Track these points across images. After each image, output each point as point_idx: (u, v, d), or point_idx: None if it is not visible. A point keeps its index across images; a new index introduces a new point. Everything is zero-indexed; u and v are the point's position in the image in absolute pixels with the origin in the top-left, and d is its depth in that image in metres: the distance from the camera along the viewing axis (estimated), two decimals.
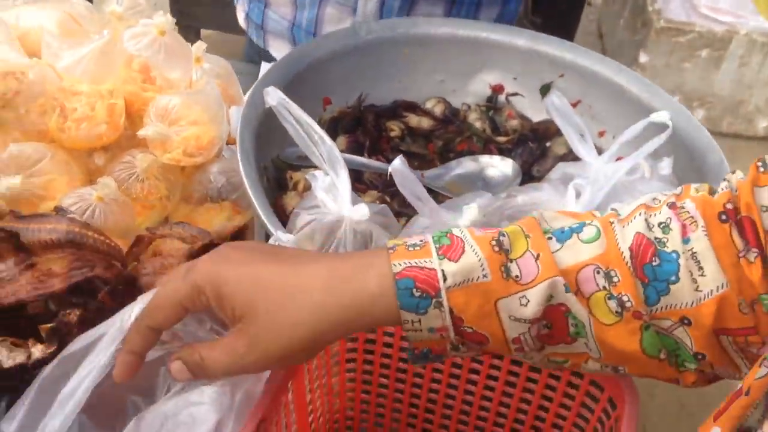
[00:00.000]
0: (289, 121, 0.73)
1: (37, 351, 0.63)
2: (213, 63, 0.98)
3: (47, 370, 0.57)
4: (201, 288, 0.51)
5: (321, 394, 0.65)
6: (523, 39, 1.02)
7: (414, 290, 0.49)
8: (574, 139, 0.83)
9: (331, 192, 0.71)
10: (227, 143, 0.91)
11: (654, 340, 0.50)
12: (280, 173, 0.91)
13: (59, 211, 0.72)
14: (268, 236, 0.84)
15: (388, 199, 0.90)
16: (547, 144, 1.02)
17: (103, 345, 0.56)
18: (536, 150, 1.00)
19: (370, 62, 1.01)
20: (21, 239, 0.67)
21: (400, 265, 0.49)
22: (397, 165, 0.65)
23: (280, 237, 0.67)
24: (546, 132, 1.02)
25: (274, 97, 0.72)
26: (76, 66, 0.79)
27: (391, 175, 0.85)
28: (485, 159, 0.97)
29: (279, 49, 1.21)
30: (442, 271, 0.48)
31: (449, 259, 0.49)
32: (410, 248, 0.51)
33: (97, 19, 0.99)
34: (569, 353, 0.52)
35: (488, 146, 1.00)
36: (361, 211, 0.69)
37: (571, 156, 0.90)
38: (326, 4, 1.13)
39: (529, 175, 0.97)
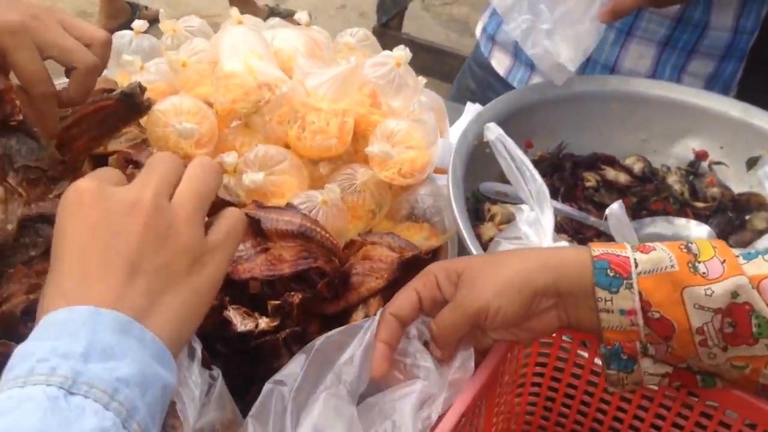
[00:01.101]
0: (503, 155, 0.80)
1: (263, 323, 0.72)
2: (428, 97, 1.07)
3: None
4: (431, 272, 0.63)
5: (503, 411, 0.69)
6: (735, 110, 1.03)
7: (608, 270, 0.56)
8: None
9: (534, 226, 0.76)
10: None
11: None
12: (478, 205, 0.97)
13: (290, 207, 0.83)
14: None
15: (576, 244, 0.94)
16: (747, 216, 1.01)
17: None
18: (735, 220, 0.99)
19: (576, 112, 1.06)
20: (261, 225, 0.77)
21: (597, 250, 0.58)
22: (615, 209, 0.68)
23: None
24: (747, 204, 1.01)
25: (493, 132, 0.79)
26: (321, 85, 0.90)
27: (575, 221, 0.89)
28: (680, 222, 0.97)
29: (500, 62, 1.30)
30: (634, 259, 0.56)
31: (641, 252, 0.57)
32: (608, 245, 0.59)
33: (332, 46, 1.11)
34: (751, 356, 0.55)
35: (684, 210, 1.00)
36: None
37: None
38: None
39: None
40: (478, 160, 0.95)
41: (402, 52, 0.90)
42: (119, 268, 0.46)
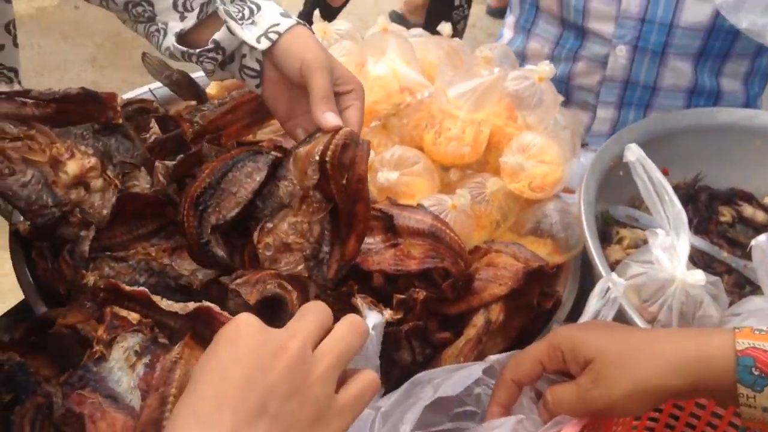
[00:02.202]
0: (642, 177, 0.79)
1: (387, 314, 0.75)
2: (564, 115, 1.06)
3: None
4: (558, 345, 0.61)
5: None
6: None
7: (753, 368, 0.53)
8: None
9: (668, 252, 0.75)
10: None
11: None
12: (606, 227, 0.96)
13: (421, 207, 0.85)
14: (582, 280, 0.89)
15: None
16: None
17: None
18: None
19: (717, 145, 1.03)
20: (393, 222, 0.80)
21: (743, 343, 0.55)
22: (762, 241, 0.66)
23: (613, 278, 0.72)
24: None
25: (634, 153, 0.78)
26: (462, 95, 0.93)
27: (706, 254, 0.86)
28: None
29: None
30: None
31: None
32: (756, 332, 0.56)
33: (471, 59, 1.13)
34: None
35: None
36: (697, 276, 0.71)
37: None
38: (579, 60, 1.21)
39: None
40: (611, 183, 0.95)
41: (546, 68, 0.91)
42: (251, 402, 0.46)
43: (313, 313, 0.52)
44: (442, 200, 0.88)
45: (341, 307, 0.74)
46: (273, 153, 0.75)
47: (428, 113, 0.96)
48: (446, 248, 0.79)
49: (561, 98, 1.02)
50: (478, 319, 0.78)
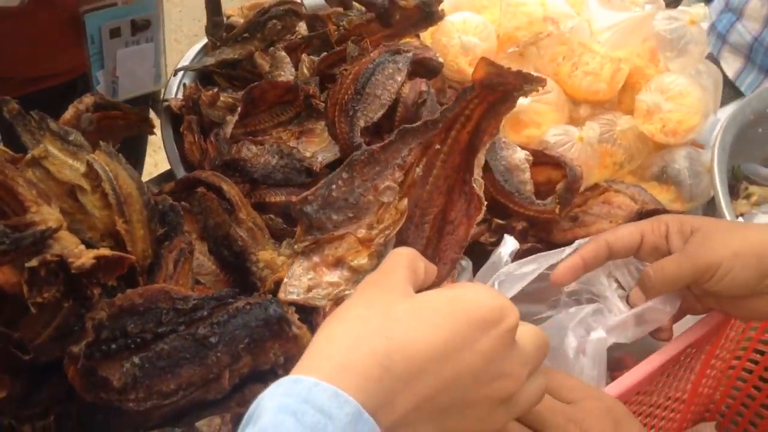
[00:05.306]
0: None
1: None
2: (708, 67, 1.03)
3: None
4: (663, 220, 0.61)
5: (713, 375, 0.69)
6: None
7: None
8: None
9: None
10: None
11: None
12: (734, 182, 0.94)
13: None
14: None
15: None
16: None
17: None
18: None
19: None
20: None
21: None
22: None
23: None
24: None
25: None
26: (608, 29, 0.91)
27: None
28: None
29: (729, 63, 1.24)
30: None
31: None
32: None
33: None
34: None
35: None
36: None
37: None
38: None
39: None
40: (747, 138, 0.92)
41: (701, 11, 0.88)
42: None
43: None
44: (569, 131, 0.89)
45: None
46: (412, 50, 0.77)
47: (568, 48, 0.96)
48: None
49: (708, 49, 0.99)
50: None
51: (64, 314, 0.52)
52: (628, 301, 0.61)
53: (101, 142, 0.57)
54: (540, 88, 0.51)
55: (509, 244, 0.64)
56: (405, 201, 0.53)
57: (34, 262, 0.48)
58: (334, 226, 0.52)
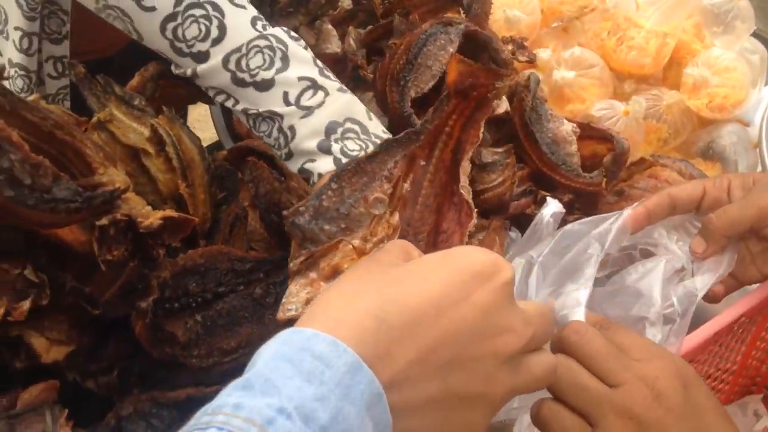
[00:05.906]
0: None
1: None
2: (753, 45, 1.02)
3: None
4: (726, 176, 0.61)
5: (762, 347, 0.69)
6: None
7: None
8: None
9: None
10: None
11: None
12: None
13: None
14: None
15: None
16: None
17: None
18: None
19: None
20: None
21: None
22: None
23: None
24: None
25: None
26: (652, 4, 0.91)
27: None
28: None
29: None
30: None
31: None
32: None
33: None
34: None
35: None
36: None
37: None
38: None
39: None
40: None
41: None
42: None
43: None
44: (614, 105, 0.89)
45: None
46: (464, 23, 0.77)
47: (613, 22, 0.95)
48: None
49: (754, 26, 0.98)
50: None
51: (128, 273, 0.54)
52: (690, 250, 0.61)
53: (164, 108, 0.58)
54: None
55: (552, 205, 0.64)
56: (396, 216, 0.54)
57: (104, 221, 0.49)
58: (327, 238, 0.52)
